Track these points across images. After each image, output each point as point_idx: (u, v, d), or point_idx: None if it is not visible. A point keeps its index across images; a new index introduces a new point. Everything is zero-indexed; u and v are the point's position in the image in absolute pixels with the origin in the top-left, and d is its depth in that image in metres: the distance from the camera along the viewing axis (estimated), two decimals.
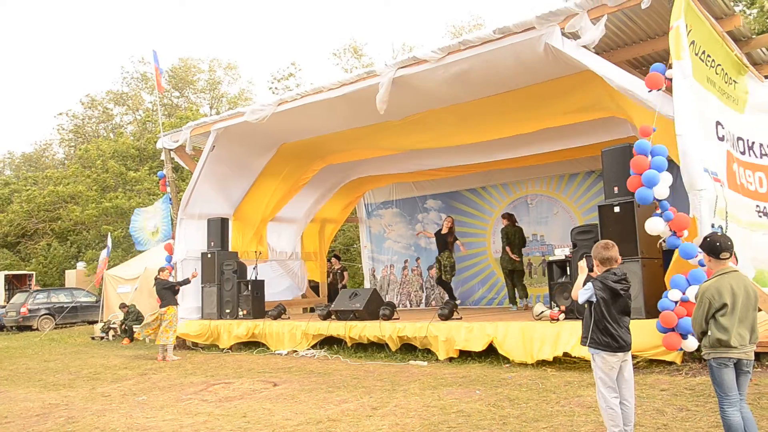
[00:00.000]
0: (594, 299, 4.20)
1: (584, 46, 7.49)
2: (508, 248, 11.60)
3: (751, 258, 6.68)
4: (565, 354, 7.36)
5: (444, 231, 12.34)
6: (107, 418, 6.33)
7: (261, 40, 64.42)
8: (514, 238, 11.74)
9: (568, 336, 7.29)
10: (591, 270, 4.41)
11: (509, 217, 12.02)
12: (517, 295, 11.81)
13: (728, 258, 3.88)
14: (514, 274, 11.79)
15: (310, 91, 10.36)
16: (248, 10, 67.97)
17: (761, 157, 7.91)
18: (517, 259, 11.57)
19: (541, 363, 7.57)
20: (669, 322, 6.30)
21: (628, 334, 4.22)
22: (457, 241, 12.45)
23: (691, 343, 6.24)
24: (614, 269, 4.26)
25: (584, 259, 4.67)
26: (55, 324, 20.39)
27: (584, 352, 6.80)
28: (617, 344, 4.14)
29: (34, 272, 28.82)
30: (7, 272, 28.46)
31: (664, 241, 6.90)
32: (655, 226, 6.68)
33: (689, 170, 6.35)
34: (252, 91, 40.22)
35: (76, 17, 68.83)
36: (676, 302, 6.36)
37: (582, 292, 4.27)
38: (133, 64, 42.73)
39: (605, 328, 4.15)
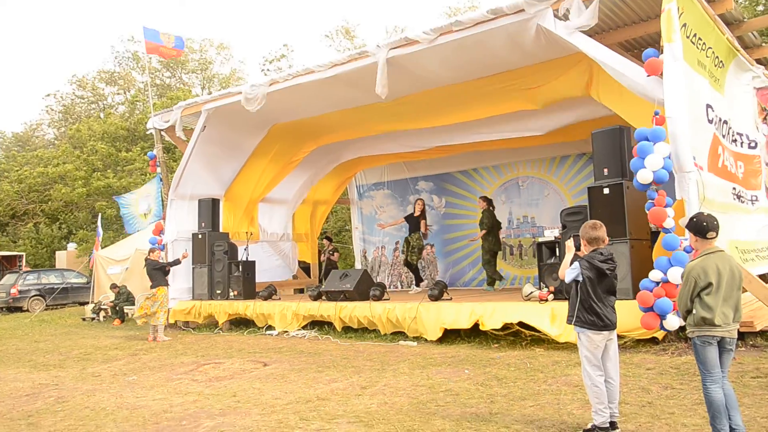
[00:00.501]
0: (580, 278, 4.24)
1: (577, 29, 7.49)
2: (483, 231, 11.62)
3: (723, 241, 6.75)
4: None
5: (416, 213, 12.34)
6: (97, 397, 6.36)
7: (253, 22, 63.86)
8: (496, 221, 11.84)
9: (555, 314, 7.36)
10: (578, 249, 4.44)
11: (489, 201, 12.05)
12: (493, 275, 11.88)
13: (714, 238, 3.92)
14: (497, 256, 11.91)
15: (301, 71, 10.29)
16: None
17: (731, 143, 7.97)
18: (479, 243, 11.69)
19: (530, 343, 7.64)
20: (646, 301, 6.38)
21: (614, 313, 4.27)
22: (423, 221, 12.35)
23: (671, 323, 6.31)
24: (601, 249, 4.29)
25: (571, 238, 4.70)
26: (46, 305, 20.35)
27: (569, 338, 6.90)
28: (602, 323, 4.18)
29: (23, 253, 28.70)
30: None
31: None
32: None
33: (678, 153, 6.39)
34: (244, 70, 39.97)
35: None
36: (657, 283, 6.42)
37: (569, 272, 4.31)
38: (123, 43, 42.31)
39: (591, 307, 4.19)
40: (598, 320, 4.19)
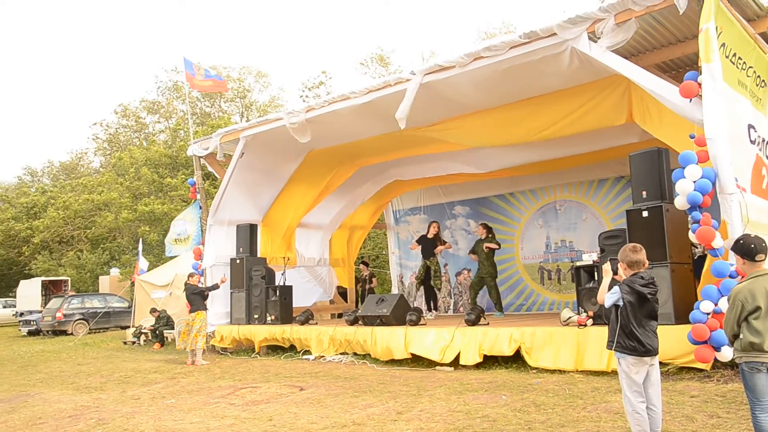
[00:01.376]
0: (621, 303, 4.16)
1: (612, 50, 7.45)
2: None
3: None
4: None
5: (430, 236, 12.35)
6: (136, 420, 6.44)
7: (292, 50, 65.15)
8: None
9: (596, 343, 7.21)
10: (615, 273, 4.36)
11: (490, 228, 12.42)
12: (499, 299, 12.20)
13: (764, 260, 3.80)
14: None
15: (337, 98, 10.42)
16: (279, 19, 68.81)
17: None
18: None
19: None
20: (701, 334, 6.13)
21: (655, 338, 4.16)
22: (439, 248, 12.51)
23: (726, 354, 6.09)
24: (642, 273, 4.21)
25: (609, 262, 4.61)
26: (89, 329, 20.79)
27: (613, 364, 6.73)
28: (644, 348, 4.08)
29: (69, 278, 29.45)
30: (43, 278, 29.16)
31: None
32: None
33: (720, 174, 6.26)
34: (283, 98, 40.68)
35: (116, 29, 70.46)
36: (708, 314, 6.18)
37: (609, 296, 4.23)
38: (166, 73, 43.59)
39: (631, 332, 4.10)
40: (639, 346, 4.09)
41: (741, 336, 3.72)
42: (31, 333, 22.40)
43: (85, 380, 9.68)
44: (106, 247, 31.58)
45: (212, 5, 68.51)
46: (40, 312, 23.29)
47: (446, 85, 9.17)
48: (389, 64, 34.03)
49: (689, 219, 6.58)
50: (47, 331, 21.43)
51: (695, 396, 5.70)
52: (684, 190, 6.44)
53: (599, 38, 7.47)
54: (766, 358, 3.64)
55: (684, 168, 6.50)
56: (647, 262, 4.29)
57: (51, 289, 28.58)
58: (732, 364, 6.26)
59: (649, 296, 4.13)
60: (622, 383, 4.18)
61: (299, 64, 62.47)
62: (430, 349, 8.77)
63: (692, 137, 6.59)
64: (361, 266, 16.01)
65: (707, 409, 5.24)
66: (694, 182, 6.43)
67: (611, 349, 4.24)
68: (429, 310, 12.47)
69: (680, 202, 6.55)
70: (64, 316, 21.17)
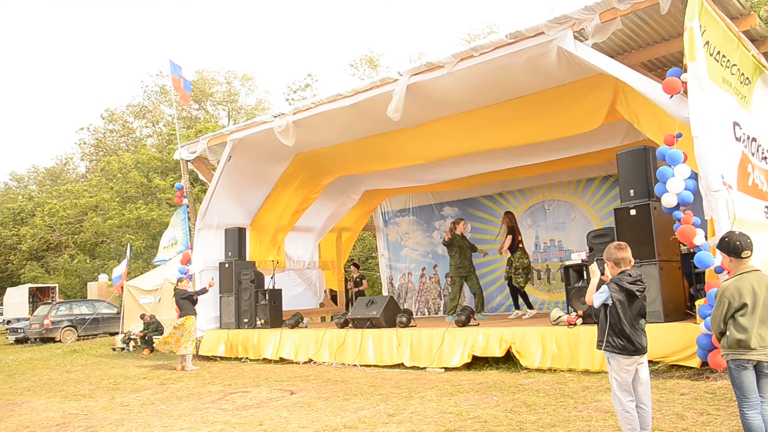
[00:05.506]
0: (610, 302, 4.15)
1: (598, 50, 7.48)
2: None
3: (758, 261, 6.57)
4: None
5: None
6: (126, 427, 6.38)
7: (278, 53, 65.03)
8: None
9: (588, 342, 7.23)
10: (603, 273, 4.36)
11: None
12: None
13: (749, 257, 3.81)
14: None
15: (324, 99, 10.38)
16: (265, 22, 68.66)
17: (761, 161, 7.80)
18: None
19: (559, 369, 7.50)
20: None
21: (644, 336, 4.16)
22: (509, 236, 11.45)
23: None
24: (629, 270, 4.21)
25: (595, 262, 4.61)
26: (78, 335, 20.62)
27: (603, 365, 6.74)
28: (633, 347, 4.08)
29: (57, 285, 29.22)
30: (31, 285, 28.91)
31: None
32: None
33: (706, 172, 6.28)
34: (269, 101, 40.57)
35: (100, 33, 70.07)
36: None
37: (597, 296, 4.22)
38: (152, 77, 43.39)
39: (621, 330, 4.09)
40: (629, 344, 4.09)
41: (728, 333, 3.73)
42: (18, 341, 22.18)
43: (74, 388, 9.59)
44: (97, 253, 31.34)
45: (198, 7, 68.31)
46: (28, 319, 23.08)
47: (434, 86, 9.15)
48: (378, 66, 34.02)
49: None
50: (35, 339, 21.23)
51: (685, 394, 5.72)
52: (677, 188, 6.47)
53: (585, 37, 7.51)
54: (752, 355, 3.65)
55: (673, 167, 6.53)
56: (632, 259, 4.29)
57: (38, 296, 28.34)
58: None
59: (637, 293, 4.13)
60: (612, 382, 4.18)
61: (286, 66, 62.42)
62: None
63: (679, 136, 6.63)
64: (352, 268, 15.98)
65: (697, 406, 5.26)
66: (685, 180, 6.47)
67: (601, 349, 4.24)
68: (530, 307, 11.08)
69: (670, 201, 6.57)
70: (52, 323, 20.98)
